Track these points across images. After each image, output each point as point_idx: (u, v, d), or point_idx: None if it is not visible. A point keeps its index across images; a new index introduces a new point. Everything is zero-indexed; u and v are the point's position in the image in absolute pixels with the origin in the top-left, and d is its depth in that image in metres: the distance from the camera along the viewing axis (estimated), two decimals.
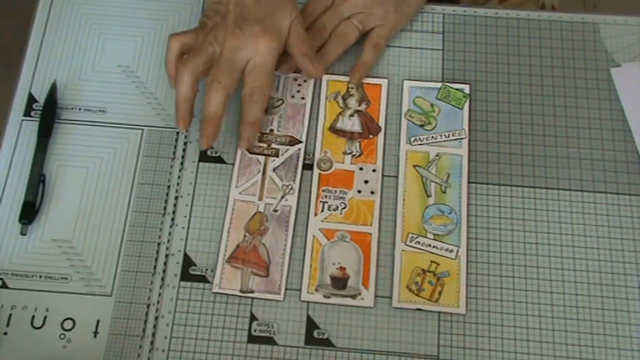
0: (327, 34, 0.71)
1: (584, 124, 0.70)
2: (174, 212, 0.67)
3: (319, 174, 0.68)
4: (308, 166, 0.69)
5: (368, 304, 0.64)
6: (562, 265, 0.65)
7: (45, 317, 0.63)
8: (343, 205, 0.67)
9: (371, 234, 0.66)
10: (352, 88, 0.72)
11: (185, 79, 0.64)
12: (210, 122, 0.64)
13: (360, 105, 0.71)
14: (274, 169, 0.68)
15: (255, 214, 0.67)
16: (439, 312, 0.64)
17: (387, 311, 0.64)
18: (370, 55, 0.71)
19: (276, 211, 0.67)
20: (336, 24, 0.71)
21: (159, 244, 0.66)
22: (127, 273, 0.65)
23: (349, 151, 0.69)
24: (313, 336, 0.63)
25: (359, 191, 0.68)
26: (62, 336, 0.63)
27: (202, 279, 0.65)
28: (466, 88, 0.72)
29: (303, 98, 0.71)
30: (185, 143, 0.70)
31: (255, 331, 0.63)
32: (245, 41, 0.64)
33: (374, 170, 0.68)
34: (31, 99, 0.71)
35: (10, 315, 0.63)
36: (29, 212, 0.66)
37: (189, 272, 0.65)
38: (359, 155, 0.69)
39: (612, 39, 0.74)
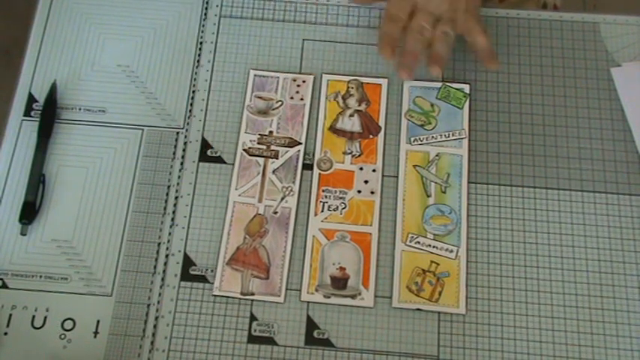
0: (428, 35, 0.69)
1: (584, 124, 0.70)
2: (174, 212, 0.67)
3: (319, 174, 0.68)
4: (308, 166, 0.69)
5: (368, 304, 0.64)
6: (562, 265, 0.65)
7: (45, 317, 0.63)
8: (343, 205, 0.67)
9: (371, 234, 0.66)
10: (352, 88, 0.72)
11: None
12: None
13: (360, 105, 0.71)
14: (274, 171, 0.68)
15: (254, 217, 0.67)
16: (439, 312, 0.64)
17: (387, 311, 0.64)
18: (486, 39, 0.69)
19: (275, 213, 0.67)
20: (432, 25, 0.70)
21: (159, 244, 0.66)
22: (127, 273, 0.65)
23: (349, 151, 0.69)
24: (313, 336, 0.63)
25: (359, 191, 0.68)
26: (62, 336, 0.63)
27: (202, 279, 0.65)
28: (466, 87, 0.72)
29: (302, 99, 0.71)
30: (185, 143, 0.70)
31: (255, 331, 0.63)
32: None
33: (374, 170, 0.68)
34: (31, 99, 0.71)
35: (11, 315, 0.63)
36: (29, 212, 0.66)
37: (190, 272, 0.65)
38: (359, 155, 0.69)
39: (612, 39, 0.74)
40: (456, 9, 0.70)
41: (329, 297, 0.64)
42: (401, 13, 0.70)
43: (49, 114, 0.70)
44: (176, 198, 0.68)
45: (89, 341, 0.63)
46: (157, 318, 0.64)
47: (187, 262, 0.65)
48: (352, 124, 0.70)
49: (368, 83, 0.72)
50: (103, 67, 0.73)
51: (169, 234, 0.66)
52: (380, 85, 0.72)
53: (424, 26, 0.69)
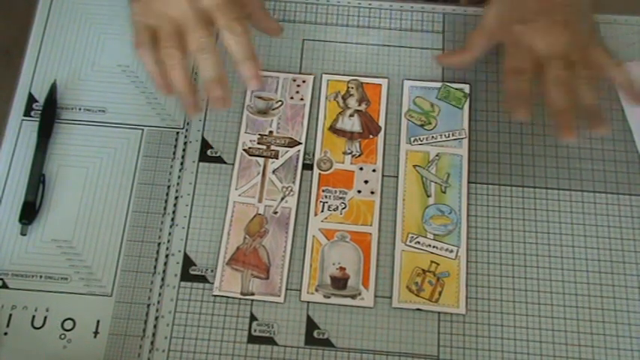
0: (571, 83, 0.61)
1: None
2: (174, 212, 0.67)
3: (319, 174, 0.68)
4: (308, 166, 0.69)
5: (368, 304, 0.64)
6: (562, 265, 0.65)
7: (45, 317, 0.63)
8: (343, 205, 0.67)
9: (371, 234, 0.66)
10: (352, 88, 0.72)
11: (176, 69, 0.60)
12: (219, 83, 0.60)
13: (360, 105, 0.71)
14: (274, 171, 0.68)
15: (254, 217, 0.67)
16: (439, 312, 0.64)
17: (387, 311, 0.64)
18: (625, 73, 0.64)
19: (275, 213, 0.67)
20: (569, 69, 0.62)
21: (159, 244, 0.66)
22: (127, 273, 0.65)
23: (349, 151, 0.69)
24: (313, 336, 0.63)
25: (359, 191, 0.68)
26: (62, 336, 0.63)
27: (202, 279, 0.65)
28: (466, 87, 0.72)
29: (302, 99, 0.71)
30: (185, 143, 0.70)
31: (255, 331, 0.63)
32: None
33: (374, 170, 0.68)
34: (31, 99, 0.71)
35: (11, 315, 0.63)
36: (29, 212, 0.66)
37: (190, 272, 0.65)
38: (359, 155, 0.69)
39: (612, 39, 0.74)
40: (582, 42, 0.64)
41: (329, 297, 0.64)
42: (525, 64, 0.63)
43: (49, 114, 0.70)
44: (176, 198, 0.68)
45: (89, 341, 0.63)
46: (157, 318, 0.64)
47: (187, 262, 0.65)
48: (352, 124, 0.70)
49: (368, 83, 0.72)
50: (103, 67, 0.73)
51: (169, 234, 0.66)
52: (380, 85, 0.72)
53: (560, 74, 0.62)
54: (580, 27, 0.64)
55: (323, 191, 0.68)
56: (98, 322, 0.63)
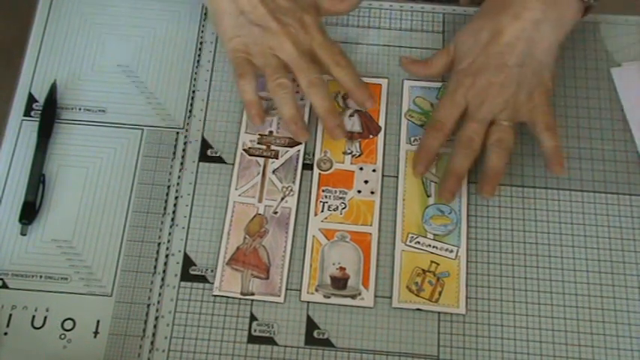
0: (478, 147, 0.64)
1: (585, 124, 0.70)
2: (174, 212, 0.67)
3: (319, 174, 0.68)
4: (308, 166, 0.69)
5: (368, 304, 0.64)
6: (562, 265, 0.65)
7: (45, 317, 0.63)
8: (343, 205, 0.67)
9: (371, 234, 0.66)
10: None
11: (289, 101, 0.65)
12: (333, 112, 0.67)
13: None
14: (274, 171, 0.68)
15: (254, 217, 0.67)
16: (439, 312, 0.64)
17: (387, 311, 0.64)
18: (553, 137, 0.64)
19: (275, 213, 0.67)
20: (484, 132, 0.65)
21: (159, 244, 0.66)
22: (127, 273, 0.65)
23: (349, 151, 0.69)
24: (313, 336, 0.63)
25: (359, 191, 0.68)
26: (62, 336, 0.63)
27: (202, 279, 0.65)
28: None
29: (302, 99, 0.71)
30: (185, 143, 0.70)
31: (255, 331, 0.63)
32: (297, 30, 0.65)
33: (374, 170, 0.68)
34: (31, 99, 0.71)
35: (11, 315, 0.63)
36: (29, 212, 0.66)
37: (190, 272, 0.65)
38: (359, 155, 0.69)
39: (612, 39, 0.74)
40: (514, 105, 0.64)
41: (329, 297, 0.64)
42: (448, 121, 0.65)
43: (49, 114, 0.70)
44: (176, 198, 0.68)
45: (89, 341, 0.63)
46: (156, 318, 0.64)
47: (187, 262, 0.65)
48: (352, 124, 0.70)
49: (368, 83, 0.72)
50: (103, 67, 0.73)
51: (169, 234, 0.66)
52: (380, 85, 0.72)
53: (473, 138, 0.64)
54: (523, 89, 0.64)
55: (323, 191, 0.68)
56: (98, 322, 0.63)
